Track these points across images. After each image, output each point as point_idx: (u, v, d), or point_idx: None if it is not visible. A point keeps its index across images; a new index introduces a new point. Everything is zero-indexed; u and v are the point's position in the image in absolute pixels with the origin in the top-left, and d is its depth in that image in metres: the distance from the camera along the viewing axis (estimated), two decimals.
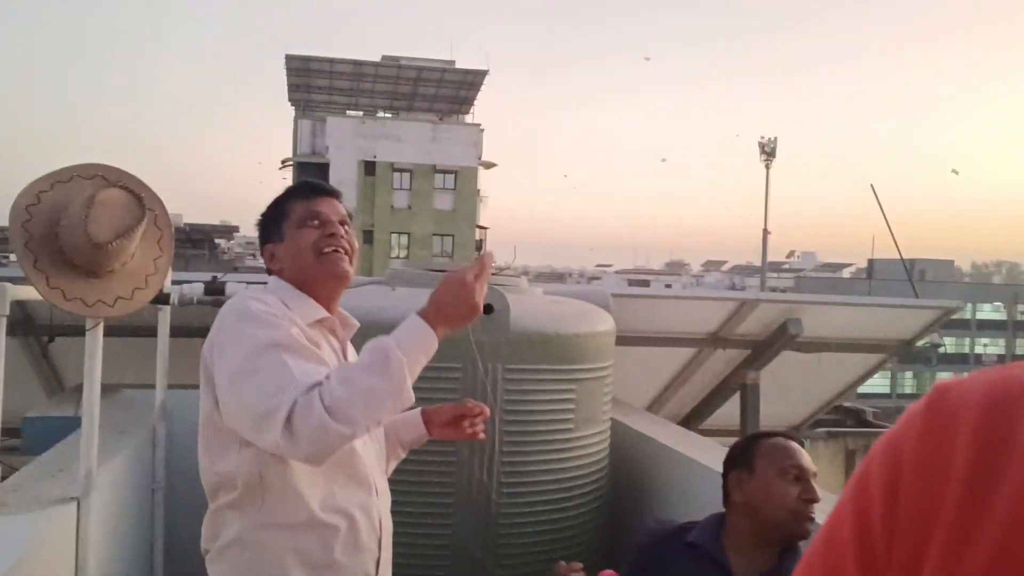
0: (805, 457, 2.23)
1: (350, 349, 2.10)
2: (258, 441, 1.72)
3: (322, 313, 1.96)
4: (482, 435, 2.20)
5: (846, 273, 67.75)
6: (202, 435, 1.89)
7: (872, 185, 9.55)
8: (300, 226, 1.98)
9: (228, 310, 1.84)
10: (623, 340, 4.55)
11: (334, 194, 2.09)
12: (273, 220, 2.04)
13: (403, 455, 2.26)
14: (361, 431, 1.69)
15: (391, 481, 2.20)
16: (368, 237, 38.18)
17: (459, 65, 41.90)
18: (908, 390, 42.98)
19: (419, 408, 2.20)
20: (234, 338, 1.77)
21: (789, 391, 7.25)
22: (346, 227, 2.03)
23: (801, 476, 2.18)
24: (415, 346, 1.74)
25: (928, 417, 0.68)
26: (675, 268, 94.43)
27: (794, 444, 2.27)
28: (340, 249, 1.98)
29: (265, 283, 2.05)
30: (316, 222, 1.98)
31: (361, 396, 1.64)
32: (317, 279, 1.96)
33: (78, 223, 2.43)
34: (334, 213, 2.02)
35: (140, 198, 2.57)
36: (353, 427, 1.65)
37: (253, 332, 1.74)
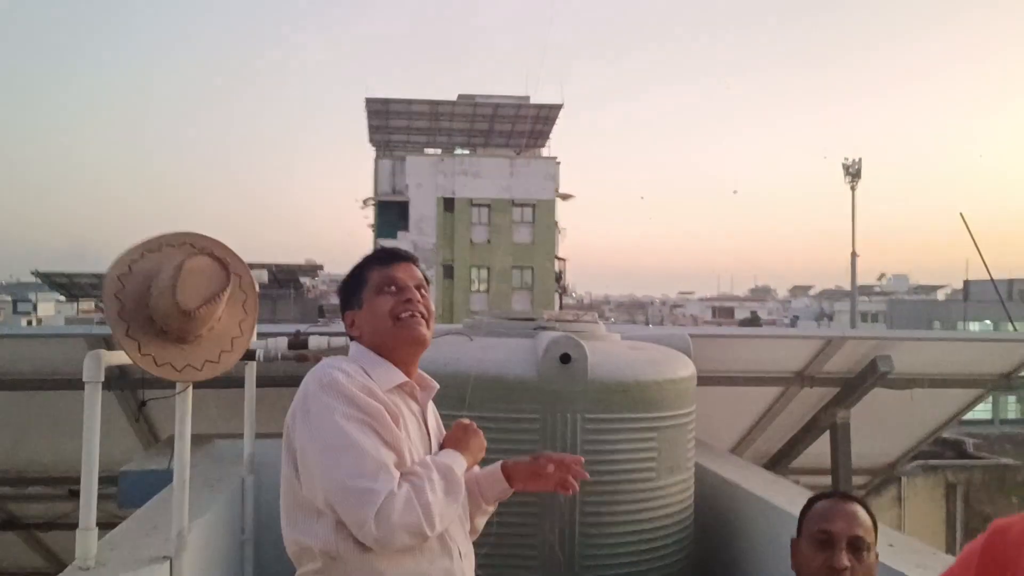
0: (841, 521, 2.14)
1: (430, 410, 2.12)
2: (342, 515, 1.75)
3: (401, 378, 1.99)
4: (569, 489, 2.13)
5: (940, 295, 65.35)
6: (283, 501, 1.93)
7: (961, 214, 9.21)
8: (378, 293, 2.03)
9: (312, 380, 1.88)
10: (706, 380, 4.48)
11: (410, 259, 2.13)
12: (352, 288, 2.09)
13: (490, 509, 2.25)
14: (434, 535, 1.81)
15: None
16: (448, 272, 38.60)
17: (534, 100, 42.30)
18: (1012, 415, 40.93)
19: (499, 462, 2.20)
20: (320, 409, 1.80)
21: (882, 428, 7.01)
22: (423, 291, 2.07)
23: (828, 542, 2.11)
24: (461, 472, 1.95)
25: (983, 561, 0.70)
26: (760, 294, 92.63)
27: (837, 507, 2.19)
28: (417, 314, 2.01)
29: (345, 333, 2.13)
30: (393, 288, 2.03)
31: (439, 505, 1.79)
32: (395, 344, 2.00)
33: (167, 292, 2.52)
34: (410, 278, 2.06)
35: (226, 264, 2.65)
36: (433, 530, 1.78)
37: (341, 407, 1.79)
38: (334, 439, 1.76)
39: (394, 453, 1.81)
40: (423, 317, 2.03)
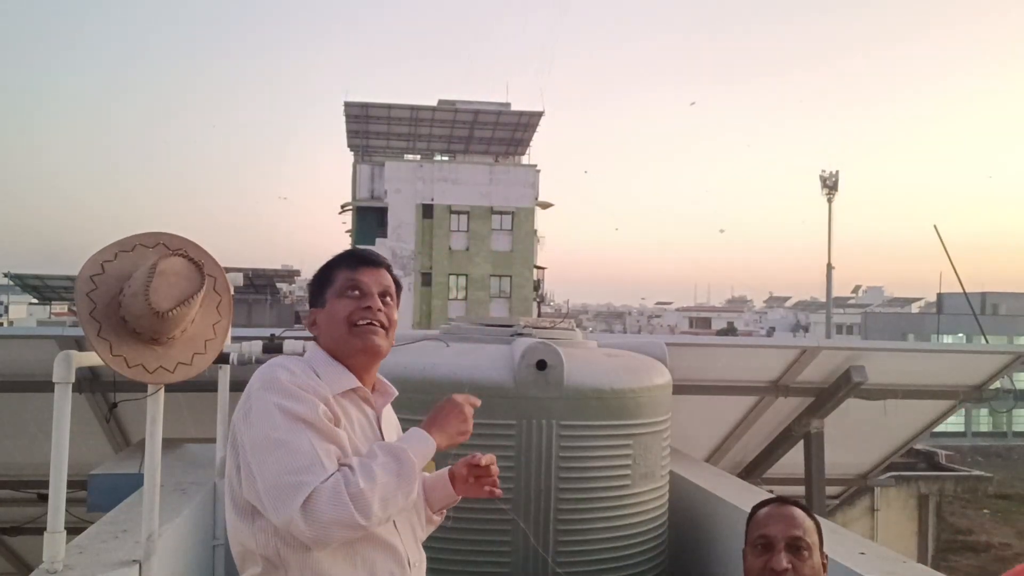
0: (778, 525, 2.16)
1: (387, 416, 2.06)
2: (270, 513, 1.70)
3: (352, 383, 1.92)
4: (498, 492, 2.08)
5: (915, 308, 66.03)
6: (226, 502, 1.88)
7: (935, 226, 9.32)
8: (340, 295, 1.96)
9: (256, 379, 1.83)
10: (681, 389, 4.49)
11: (381, 264, 2.04)
12: (319, 285, 2.03)
13: (437, 519, 2.17)
14: (373, 525, 1.71)
15: (448, 542, 2.17)
16: (426, 279, 38.50)
17: (515, 107, 42.36)
18: (984, 428, 41.43)
19: (447, 468, 2.14)
20: (260, 408, 1.75)
21: (855, 438, 7.06)
22: (387, 299, 1.99)
23: (768, 545, 2.14)
24: (421, 453, 1.82)
25: None
26: (737, 305, 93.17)
27: (775, 511, 2.21)
28: (375, 323, 1.95)
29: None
30: (356, 292, 1.95)
31: (380, 491, 1.69)
32: (349, 351, 1.94)
33: (140, 292, 2.49)
34: (376, 284, 1.98)
35: (200, 265, 2.63)
36: (369, 520, 1.68)
37: (279, 403, 1.73)
38: (269, 437, 1.70)
39: (335, 446, 1.74)
40: (382, 327, 1.96)
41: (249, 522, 1.79)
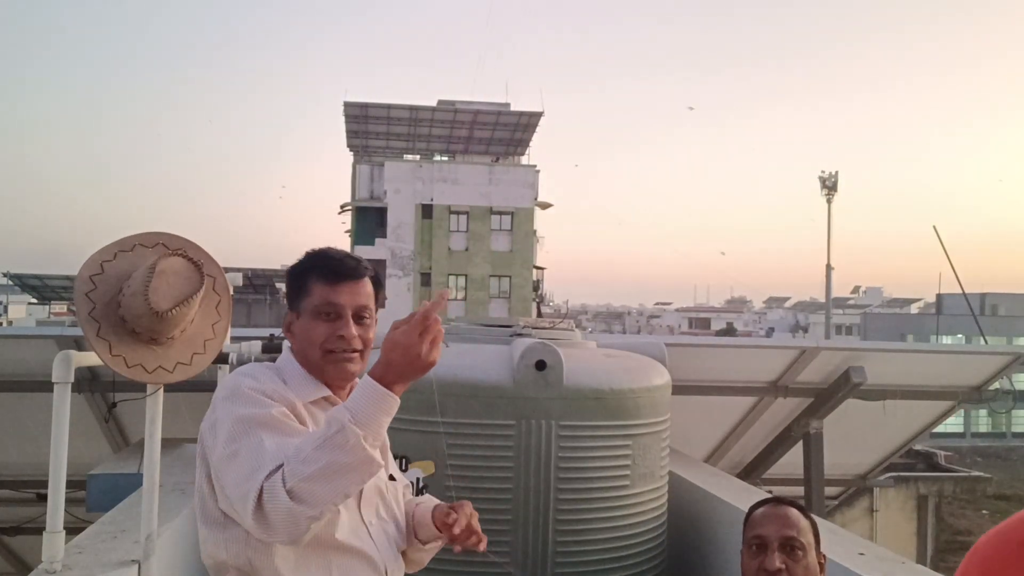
0: (772, 525, 2.18)
1: None
2: (243, 525, 1.66)
3: (323, 392, 1.86)
4: (482, 547, 1.93)
5: (914, 308, 66.07)
6: (196, 512, 1.85)
7: (935, 227, 9.34)
8: (315, 315, 1.86)
9: (220, 388, 1.81)
10: (681, 389, 4.50)
11: (359, 276, 1.90)
12: (294, 290, 1.93)
13: (431, 546, 2.04)
14: (328, 508, 1.60)
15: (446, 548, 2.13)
16: (426, 280, 38.51)
17: (514, 107, 42.37)
18: (983, 429, 41.44)
19: (435, 505, 2.02)
20: (222, 419, 1.72)
21: (854, 439, 7.07)
22: (365, 317, 1.89)
23: (762, 546, 2.16)
24: (373, 410, 1.60)
25: None
26: (736, 305, 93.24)
27: (769, 512, 2.23)
28: (348, 351, 1.85)
29: None
30: (331, 315, 1.85)
31: (321, 474, 1.55)
32: (321, 373, 1.88)
33: (139, 292, 2.49)
34: (352, 302, 1.87)
35: (199, 265, 2.63)
36: (318, 507, 1.57)
37: (239, 412, 1.70)
38: (227, 449, 1.67)
39: (294, 440, 1.64)
40: (356, 351, 1.86)
41: (220, 532, 1.76)
